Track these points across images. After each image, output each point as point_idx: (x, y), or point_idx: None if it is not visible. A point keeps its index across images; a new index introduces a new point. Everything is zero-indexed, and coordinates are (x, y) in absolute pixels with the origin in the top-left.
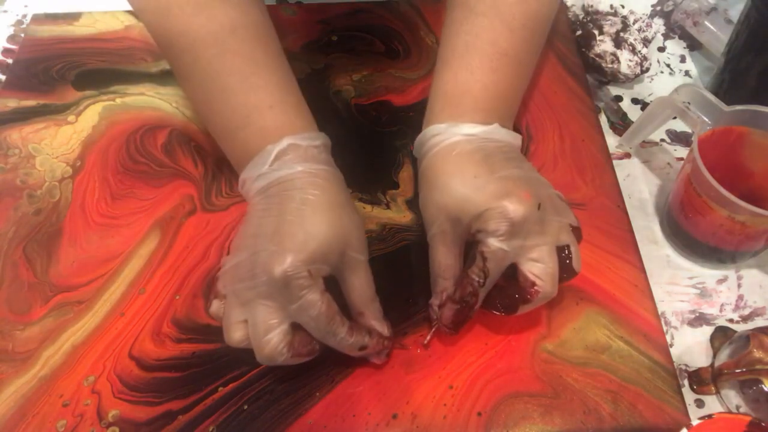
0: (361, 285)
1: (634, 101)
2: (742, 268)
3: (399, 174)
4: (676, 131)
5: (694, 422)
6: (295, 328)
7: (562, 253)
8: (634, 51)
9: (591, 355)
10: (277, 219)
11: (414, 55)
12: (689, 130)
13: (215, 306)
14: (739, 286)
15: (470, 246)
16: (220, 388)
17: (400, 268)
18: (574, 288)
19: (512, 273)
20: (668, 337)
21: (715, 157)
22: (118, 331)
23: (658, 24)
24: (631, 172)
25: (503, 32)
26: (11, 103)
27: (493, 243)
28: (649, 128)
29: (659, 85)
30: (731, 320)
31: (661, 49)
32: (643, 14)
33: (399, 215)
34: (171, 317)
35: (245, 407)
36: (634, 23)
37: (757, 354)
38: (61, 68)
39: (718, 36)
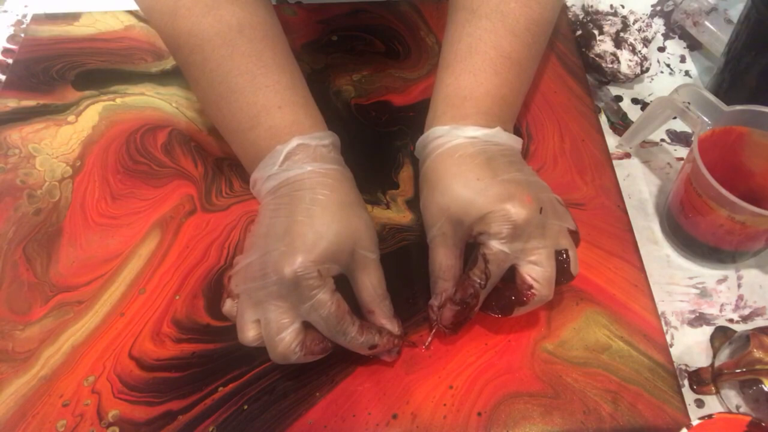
0: (371, 283)
1: (634, 101)
2: (742, 268)
3: (399, 174)
4: (676, 131)
5: (694, 422)
6: (308, 326)
7: (560, 256)
8: (634, 51)
9: (591, 355)
10: (287, 219)
11: (414, 55)
12: (689, 130)
13: (228, 305)
14: (739, 286)
15: (470, 248)
16: (220, 388)
17: (399, 268)
18: (574, 288)
19: (509, 275)
20: (668, 337)
21: (715, 157)
22: (118, 331)
23: (658, 24)
24: (631, 172)
25: (506, 36)
26: (11, 103)
27: (495, 245)
28: (649, 128)
29: (659, 85)
30: (731, 320)
31: (661, 49)
32: (643, 14)
33: (399, 215)
34: (171, 317)
35: (245, 407)
36: (634, 23)
37: (757, 354)
38: (61, 68)
39: (718, 36)
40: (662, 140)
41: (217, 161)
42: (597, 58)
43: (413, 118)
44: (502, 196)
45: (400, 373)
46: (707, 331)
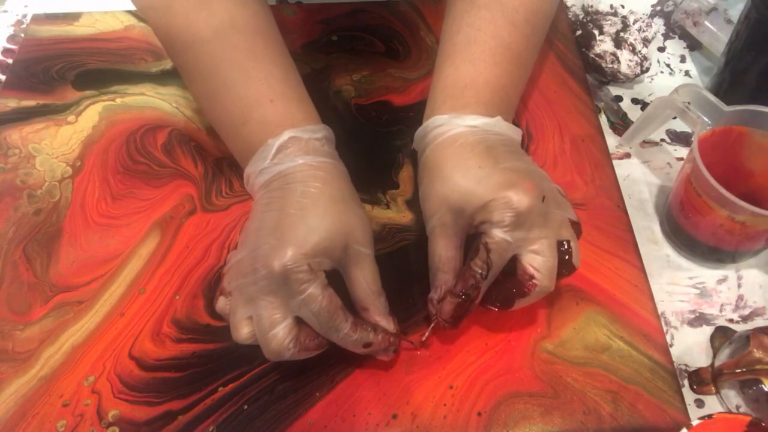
0: (365, 279)
1: (634, 101)
2: (742, 268)
3: (399, 174)
4: (676, 131)
5: (694, 422)
6: (301, 322)
7: (562, 247)
8: (634, 51)
9: (591, 355)
10: (279, 213)
11: (414, 55)
12: (689, 130)
13: (221, 303)
14: (739, 286)
15: (470, 240)
16: (220, 388)
17: (399, 268)
18: (574, 288)
19: (509, 268)
20: (668, 337)
21: (715, 157)
22: (118, 331)
23: (658, 24)
24: (631, 172)
25: (505, 26)
26: (11, 103)
27: (497, 234)
28: (649, 128)
29: (659, 85)
30: (731, 320)
31: (661, 49)
32: (643, 14)
33: (399, 215)
34: (171, 317)
35: (245, 407)
36: (634, 23)
37: (757, 354)
38: (61, 68)
39: (718, 36)
40: (662, 140)
41: (217, 161)
42: (597, 58)
43: (413, 118)
44: (504, 183)
45: (400, 373)
46: (707, 331)
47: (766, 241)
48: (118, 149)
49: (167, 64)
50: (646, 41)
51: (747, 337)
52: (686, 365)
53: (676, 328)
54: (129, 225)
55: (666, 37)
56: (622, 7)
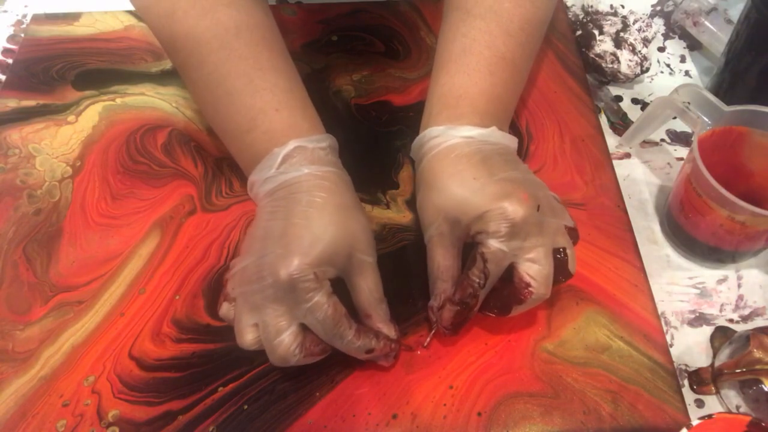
0: (368, 287)
1: (634, 101)
2: (742, 268)
3: (399, 174)
4: (676, 131)
5: (694, 422)
6: (306, 328)
7: (558, 254)
8: (634, 51)
9: (591, 355)
10: (284, 222)
11: (414, 55)
12: (689, 130)
13: (225, 308)
14: (739, 286)
15: (468, 249)
16: (220, 388)
17: (399, 268)
18: (574, 288)
19: (506, 275)
20: (668, 337)
21: (715, 157)
22: (118, 331)
23: (658, 24)
24: (631, 172)
25: (500, 36)
26: (11, 103)
27: (494, 244)
28: (649, 128)
29: (659, 85)
30: (731, 320)
31: (661, 49)
32: (643, 14)
33: (399, 215)
34: (171, 317)
35: (245, 407)
36: (634, 23)
37: (757, 354)
38: (61, 68)
39: (718, 36)
40: (662, 140)
41: (217, 161)
42: (597, 58)
43: (413, 118)
44: (499, 194)
45: (400, 374)
46: (707, 331)
47: (766, 241)
48: (118, 149)
49: (167, 64)
50: (646, 41)
51: (747, 337)
52: (686, 365)
53: (676, 328)
54: (129, 225)
55: (666, 37)
56: (622, 7)
